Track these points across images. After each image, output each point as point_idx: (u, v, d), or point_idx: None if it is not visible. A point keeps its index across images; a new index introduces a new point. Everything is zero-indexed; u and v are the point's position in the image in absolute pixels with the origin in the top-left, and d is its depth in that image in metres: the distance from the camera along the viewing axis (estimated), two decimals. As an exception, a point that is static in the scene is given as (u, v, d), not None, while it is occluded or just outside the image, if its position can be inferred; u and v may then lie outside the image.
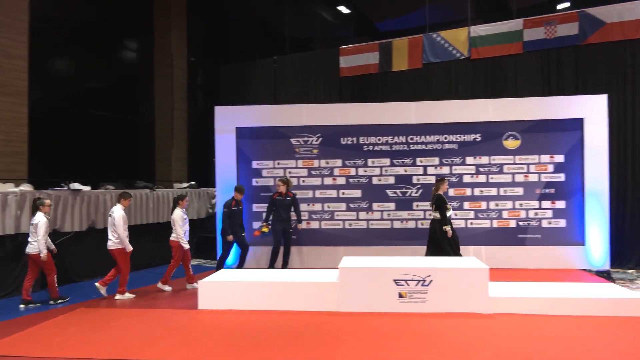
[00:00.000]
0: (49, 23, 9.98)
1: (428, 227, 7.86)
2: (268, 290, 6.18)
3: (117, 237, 6.91)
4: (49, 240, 6.79)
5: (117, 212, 6.94)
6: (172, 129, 12.19)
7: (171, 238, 7.54)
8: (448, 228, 7.50)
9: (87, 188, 8.34)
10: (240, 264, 8.60)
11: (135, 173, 11.77)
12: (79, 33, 10.70)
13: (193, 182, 11.35)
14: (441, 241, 7.52)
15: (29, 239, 6.65)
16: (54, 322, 5.75)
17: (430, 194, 8.04)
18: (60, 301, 6.80)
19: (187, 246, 7.52)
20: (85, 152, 10.75)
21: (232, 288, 6.26)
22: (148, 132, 12.37)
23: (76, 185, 8.15)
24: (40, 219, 6.60)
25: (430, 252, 7.64)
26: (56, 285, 6.81)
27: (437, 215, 7.63)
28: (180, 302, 6.77)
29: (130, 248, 6.99)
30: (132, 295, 7.09)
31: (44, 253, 6.55)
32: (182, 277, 7.90)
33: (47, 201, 6.83)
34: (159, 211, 9.76)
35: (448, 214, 7.59)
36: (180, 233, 7.46)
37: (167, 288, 7.54)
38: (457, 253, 7.56)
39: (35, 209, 6.73)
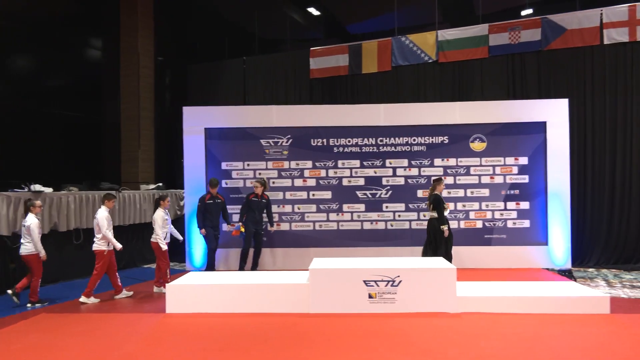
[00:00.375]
0: (9, 19, 9.63)
1: (398, 228, 7.94)
2: (237, 292, 6.12)
3: (100, 239, 6.85)
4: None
5: (101, 214, 6.90)
6: (139, 130, 11.93)
7: (151, 239, 7.45)
8: (445, 227, 7.69)
9: (49, 190, 8.09)
10: (208, 267, 8.51)
11: (100, 174, 11.48)
12: (40, 30, 10.36)
13: (160, 184, 11.14)
14: (438, 240, 7.71)
15: (22, 240, 6.68)
16: (14, 329, 5.54)
17: (426, 194, 8.35)
18: (38, 305, 6.68)
19: (164, 247, 7.38)
20: (47, 153, 10.42)
21: (201, 291, 6.17)
22: (113, 132, 12.08)
23: (37, 187, 7.89)
24: (31, 220, 6.65)
25: (429, 252, 7.82)
26: (38, 289, 6.76)
27: (435, 214, 7.80)
28: (147, 306, 6.63)
29: (119, 246, 6.93)
30: (97, 300, 6.90)
31: (42, 253, 6.66)
32: (150, 279, 7.76)
33: (38, 202, 6.86)
34: (125, 213, 9.54)
35: (445, 213, 7.78)
36: (159, 233, 7.33)
37: (165, 290, 7.36)
38: (448, 252, 7.76)
39: (26, 210, 6.79)
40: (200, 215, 8.31)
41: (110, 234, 6.87)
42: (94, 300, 6.86)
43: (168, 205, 7.61)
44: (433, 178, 8.44)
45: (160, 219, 7.36)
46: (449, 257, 7.68)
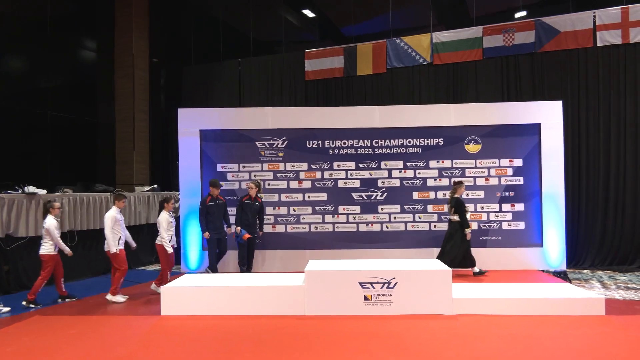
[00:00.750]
0: (2, 19, 9.58)
1: (393, 230, 7.98)
2: (233, 294, 6.10)
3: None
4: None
5: (108, 213, 6.97)
6: (134, 131, 11.90)
7: (156, 241, 7.43)
8: (469, 231, 7.84)
9: (42, 191, 8.05)
10: (215, 267, 8.41)
11: (95, 176, 11.43)
12: (34, 30, 10.32)
13: (155, 186, 11.10)
14: (453, 242, 7.86)
15: (41, 241, 6.80)
16: (7, 331, 5.50)
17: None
18: (32, 306, 6.69)
19: (170, 250, 7.37)
20: (41, 155, 10.37)
21: (196, 293, 6.14)
22: (108, 134, 12.04)
23: (31, 189, 7.85)
24: (50, 222, 6.78)
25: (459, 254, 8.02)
26: (39, 289, 6.79)
27: (456, 218, 7.92)
28: (142, 308, 6.59)
29: (113, 250, 6.89)
30: (124, 298, 6.94)
31: (67, 250, 6.88)
32: (145, 282, 7.73)
33: (57, 204, 7.00)
34: (119, 215, 9.49)
35: (467, 216, 7.91)
36: (165, 236, 7.31)
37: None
38: (457, 257, 7.88)
39: (45, 211, 6.93)
40: (202, 218, 8.20)
41: (110, 235, 6.86)
42: (121, 299, 6.90)
43: (172, 207, 7.59)
44: (454, 181, 8.50)
45: (165, 221, 7.34)
46: (454, 263, 7.76)
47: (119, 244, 6.95)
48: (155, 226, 7.64)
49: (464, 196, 8.33)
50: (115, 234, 6.92)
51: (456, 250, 7.89)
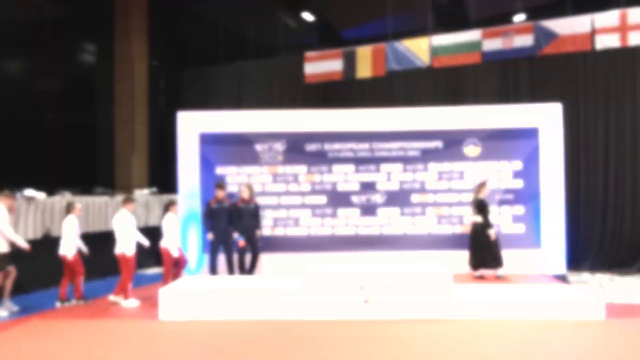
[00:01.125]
0: (0, 22, 9.59)
1: (392, 233, 7.96)
2: (231, 298, 6.09)
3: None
4: (80, 241, 7.02)
5: (117, 216, 6.99)
6: (133, 134, 11.89)
7: (161, 244, 7.42)
8: (492, 232, 7.80)
9: (41, 195, 8.04)
10: (229, 272, 8.35)
11: (94, 179, 11.41)
12: (33, 33, 10.31)
13: (154, 189, 11.10)
14: (484, 244, 7.86)
15: (61, 241, 6.89)
16: (6, 335, 5.49)
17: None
18: (81, 301, 6.90)
19: (177, 253, 7.37)
20: (40, 158, 10.35)
21: (194, 297, 6.14)
22: (107, 137, 12.04)
23: (30, 192, 7.84)
24: (67, 220, 6.88)
25: (475, 255, 8.03)
26: (81, 285, 6.96)
27: (478, 218, 7.92)
28: (141, 313, 6.58)
29: (130, 253, 6.92)
30: (137, 303, 6.88)
31: (70, 254, 6.79)
32: (144, 285, 7.71)
33: (78, 205, 7.17)
34: (118, 218, 9.48)
35: (489, 217, 7.90)
36: (171, 239, 7.28)
37: None
38: (498, 257, 7.88)
39: (67, 212, 7.05)
40: (205, 220, 8.17)
41: (123, 236, 6.86)
42: (135, 303, 6.87)
43: (177, 210, 7.57)
44: (477, 182, 8.46)
45: (171, 224, 7.33)
46: (498, 261, 7.80)
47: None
48: (154, 229, 7.63)
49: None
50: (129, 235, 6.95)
51: (488, 250, 7.88)
